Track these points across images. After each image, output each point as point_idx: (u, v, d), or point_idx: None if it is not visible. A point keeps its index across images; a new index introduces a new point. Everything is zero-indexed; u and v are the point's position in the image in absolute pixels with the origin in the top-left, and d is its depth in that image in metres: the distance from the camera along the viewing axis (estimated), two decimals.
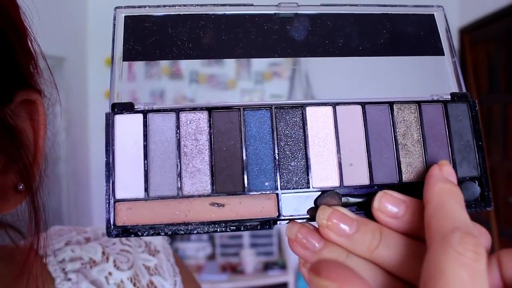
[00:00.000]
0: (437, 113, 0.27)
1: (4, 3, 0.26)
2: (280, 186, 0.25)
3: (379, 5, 0.29)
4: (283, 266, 2.30)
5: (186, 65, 2.43)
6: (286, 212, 0.25)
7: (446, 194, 0.22)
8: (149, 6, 0.28)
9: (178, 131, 0.26)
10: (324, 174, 0.26)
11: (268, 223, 0.25)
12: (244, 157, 0.26)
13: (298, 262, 0.25)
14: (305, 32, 0.28)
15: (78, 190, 2.33)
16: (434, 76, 0.30)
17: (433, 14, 0.30)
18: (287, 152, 0.26)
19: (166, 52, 0.27)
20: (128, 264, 0.41)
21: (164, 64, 2.27)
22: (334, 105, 0.27)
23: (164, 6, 0.28)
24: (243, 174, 0.25)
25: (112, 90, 0.26)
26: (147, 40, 0.27)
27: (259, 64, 2.48)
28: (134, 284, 0.40)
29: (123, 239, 0.44)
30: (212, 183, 0.25)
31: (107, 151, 0.25)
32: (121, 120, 0.25)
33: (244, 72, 2.57)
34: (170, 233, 0.24)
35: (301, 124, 0.26)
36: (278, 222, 0.25)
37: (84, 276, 0.38)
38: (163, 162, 0.25)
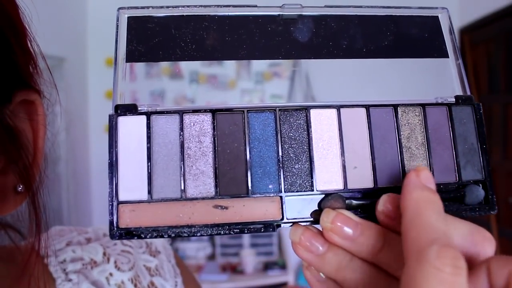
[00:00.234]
0: (442, 116, 0.27)
1: (3, 3, 0.26)
2: (284, 189, 0.25)
3: (383, 7, 0.29)
4: (283, 266, 2.30)
5: (187, 65, 2.43)
6: (290, 215, 0.25)
7: (423, 202, 0.21)
8: (152, 7, 0.28)
9: (181, 133, 0.26)
10: (328, 177, 0.26)
11: (272, 226, 0.25)
12: (248, 160, 0.25)
13: (302, 264, 0.25)
14: (309, 34, 0.28)
15: (78, 190, 2.33)
16: (438, 78, 0.30)
17: (438, 16, 0.30)
18: (291, 155, 0.26)
19: (169, 53, 0.27)
20: (129, 265, 0.41)
21: (164, 64, 2.27)
22: (338, 107, 0.27)
23: (167, 7, 0.28)
24: (247, 177, 0.25)
25: (115, 92, 0.26)
26: (150, 41, 0.27)
27: (259, 64, 2.48)
28: (135, 285, 0.40)
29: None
30: (216, 186, 0.25)
31: (110, 152, 0.25)
32: (124, 122, 0.25)
33: (244, 72, 2.57)
34: (174, 235, 0.24)
35: (305, 127, 0.26)
36: (282, 225, 0.25)
37: (85, 276, 0.38)
38: (166, 164, 0.25)
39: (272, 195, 0.25)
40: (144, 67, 2.29)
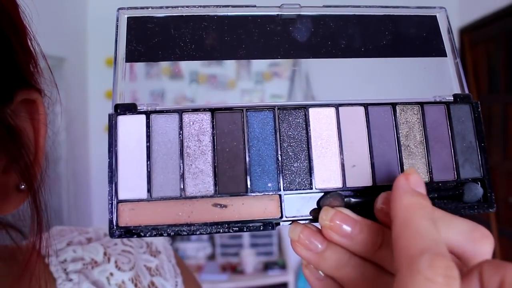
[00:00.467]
0: (440, 114, 0.27)
1: (3, 2, 0.26)
2: (283, 187, 0.25)
3: (382, 6, 0.29)
4: (283, 266, 2.30)
5: (186, 65, 2.43)
6: (289, 213, 0.25)
7: (414, 208, 0.20)
8: (152, 7, 0.28)
9: (181, 132, 0.26)
10: (327, 175, 0.26)
11: (271, 224, 0.25)
12: (247, 158, 0.26)
13: (301, 263, 0.25)
14: (308, 34, 0.28)
15: (78, 190, 2.33)
16: (436, 77, 0.30)
17: (436, 16, 0.30)
18: (290, 153, 0.26)
19: (168, 53, 0.27)
20: (130, 265, 0.41)
21: (164, 64, 2.27)
22: (337, 106, 0.27)
23: (167, 7, 0.28)
24: (246, 175, 0.25)
25: (115, 91, 0.26)
26: (149, 41, 0.27)
27: (259, 64, 2.48)
28: (136, 285, 0.40)
29: (125, 239, 0.44)
30: (215, 184, 0.25)
31: (110, 152, 0.25)
32: (124, 121, 0.25)
33: (244, 72, 2.57)
34: (173, 234, 0.24)
35: (304, 125, 0.26)
36: (281, 223, 0.25)
37: (85, 276, 0.38)
38: (166, 163, 0.25)
39: (271, 193, 0.25)
40: (144, 67, 2.29)
